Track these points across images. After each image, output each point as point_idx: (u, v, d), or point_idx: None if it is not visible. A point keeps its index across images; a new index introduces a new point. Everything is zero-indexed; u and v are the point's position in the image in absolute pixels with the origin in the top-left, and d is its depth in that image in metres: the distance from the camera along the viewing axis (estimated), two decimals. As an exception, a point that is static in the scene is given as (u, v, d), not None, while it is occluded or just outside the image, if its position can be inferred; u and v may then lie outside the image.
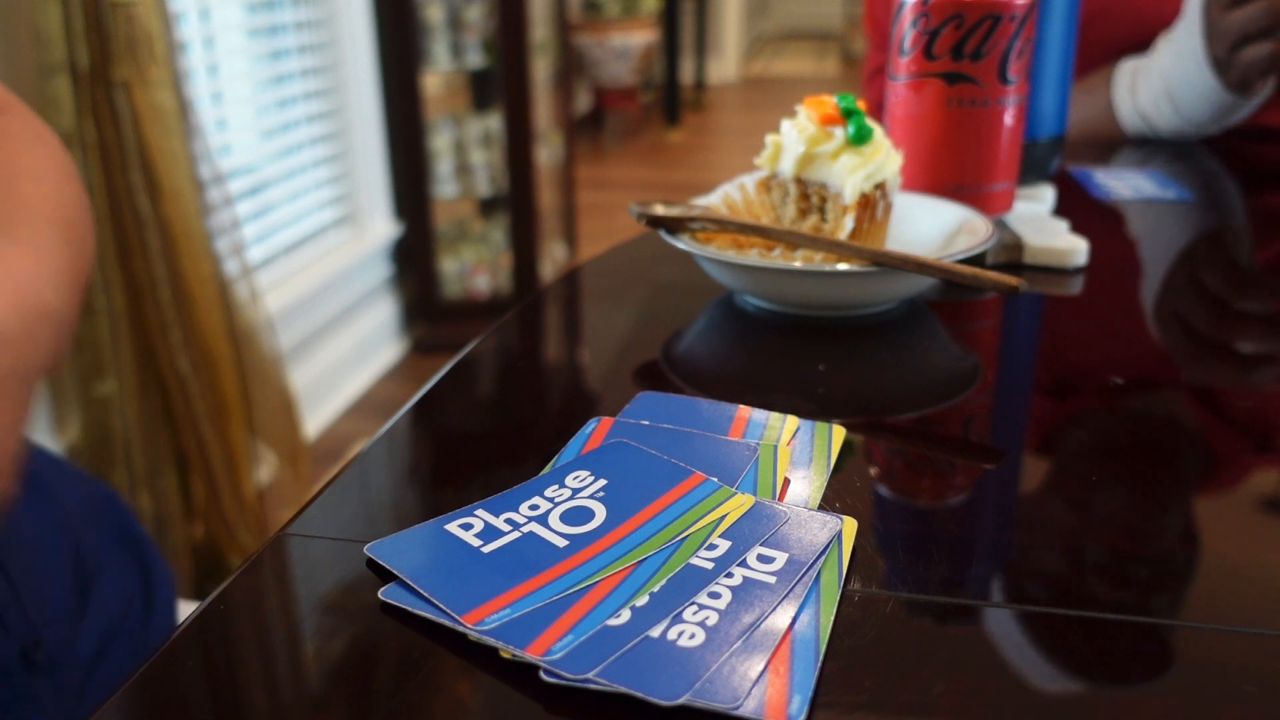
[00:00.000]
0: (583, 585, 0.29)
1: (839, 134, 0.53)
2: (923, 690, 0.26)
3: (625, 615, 0.28)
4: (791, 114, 0.56)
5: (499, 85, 2.45)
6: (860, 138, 0.52)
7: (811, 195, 0.55)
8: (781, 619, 0.28)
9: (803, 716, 0.25)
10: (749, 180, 0.60)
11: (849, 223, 0.52)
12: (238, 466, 1.56)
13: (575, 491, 0.34)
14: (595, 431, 0.39)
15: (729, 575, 0.30)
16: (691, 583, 0.30)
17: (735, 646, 0.27)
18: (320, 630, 0.30)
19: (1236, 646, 0.28)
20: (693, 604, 0.29)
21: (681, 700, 0.25)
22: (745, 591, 0.29)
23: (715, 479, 0.35)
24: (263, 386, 1.61)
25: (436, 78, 2.51)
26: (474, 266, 2.54)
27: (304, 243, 2.17)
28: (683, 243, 0.52)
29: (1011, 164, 0.62)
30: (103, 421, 1.42)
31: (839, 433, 0.39)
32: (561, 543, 0.32)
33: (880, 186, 0.52)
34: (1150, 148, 0.93)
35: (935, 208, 0.58)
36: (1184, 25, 0.87)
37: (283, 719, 0.27)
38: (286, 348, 1.92)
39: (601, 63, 4.66)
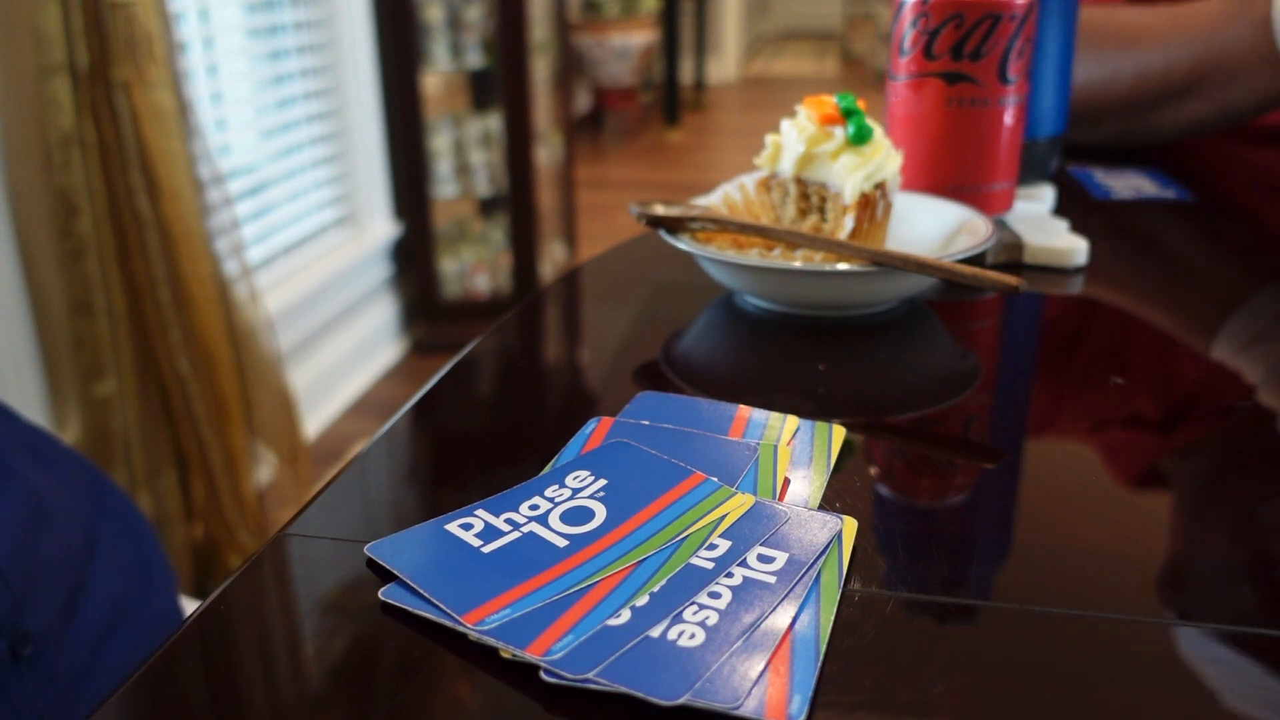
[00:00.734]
0: (583, 585, 0.29)
1: (839, 134, 0.53)
2: (923, 690, 0.26)
3: (625, 615, 0.28)
4: (791, 114, 0.56)
5: (499, 85, 2.45)
6: (860, 138, 0.52)
7: (811, 195, 0.55)
8: (782, 619, 0.28)
9: (803, 716, 0.25)
10: (749, 180, 0.60)
11: (849, 223, 0.52)
12: (237, 466, 1.56)
13: (575, 491, 0.34)
14: (595, 431, 0.39)
15: (729, 575, 0.30)
16: (692, 583, 0.30)
17: (735, 646, 0.27)
18: (320, 630, 0.30)
19: (1236, 646, 0.28)
20: (693, 604, 0.29)
21: (682, 700, 0.25)
22: (745, 591, 0.29)
23: (715, 479, 0.35)
24: (262, 387, 1.61)
25: (436, 78, 2.52)
26: (474, 266, 2.54)
27: (304, 243, 2.17)
28: (683, 243, 0.52)
29: (1011, 164, 0.62)
30: (103, 421, 1.42)
31: (839, 433, 0.39)
32: (562, 543, 0.32)
33: (880, 186, 0.53)
34: (1150, 147, 0.92)
35: (935, 208, 0.58)
36: None
37: (283, 719, 0.27)
38: (286, 348, 1.92)
39: (601, 63, 4.66)
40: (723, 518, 0.33)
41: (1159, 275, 0.63)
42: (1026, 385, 0.48)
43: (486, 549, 0.31)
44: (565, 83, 2.93)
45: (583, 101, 4.83)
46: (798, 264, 0.50)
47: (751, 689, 0.25)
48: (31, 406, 1.43)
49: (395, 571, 0.31)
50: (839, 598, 0.29)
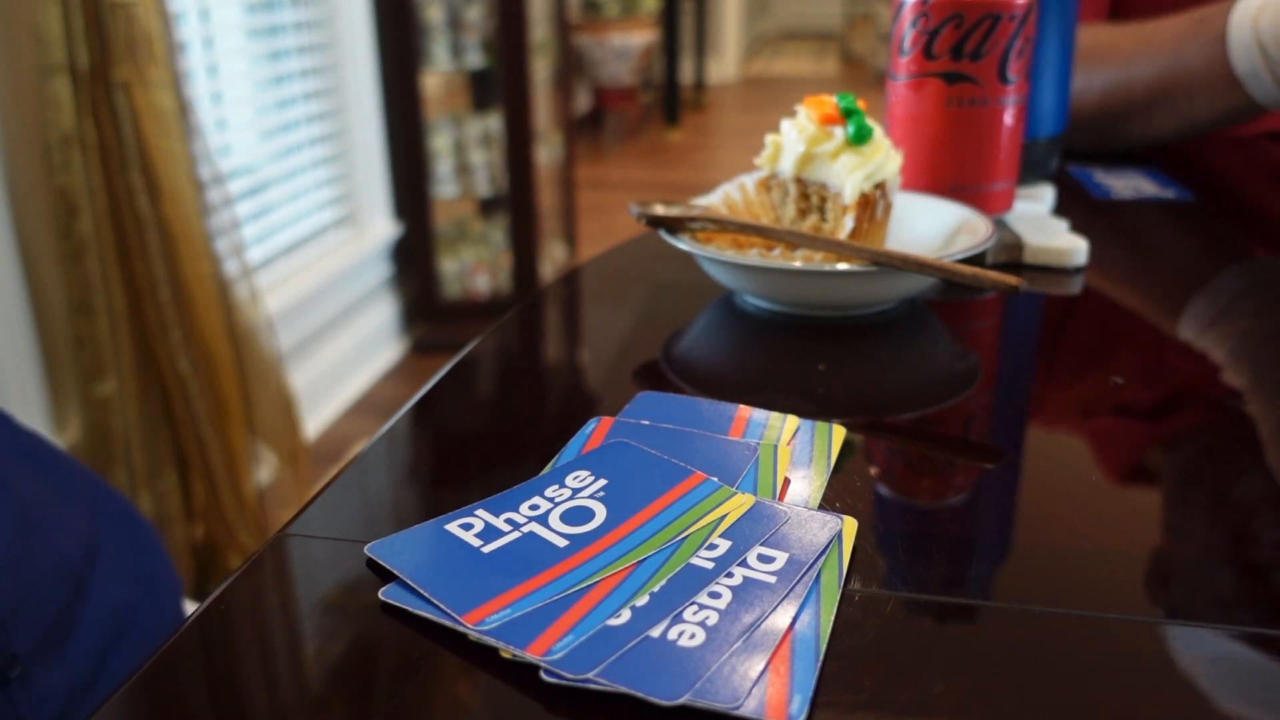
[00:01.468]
0: (583, 585, 0.29)
1: (839, 134, 0.53)
2: (923, 690, 0.26)
3: (625, 615, 0.28)
4: (791, 114, 0.56)
5: (499, 85, 2.45)
6: (860, 138, 0.52)
7: (811, 195, 0.55)
8: (782, 619, 0.28)
9: (803, 716, 0.25)
10: (749, 180, 0.60)
11: (849, 223, 0.52)
12: (238, 467, 1.56)
13: (575, 491, 0.34)
14: (595, 431, 0.39)
15: (729, 575, 0.30)
16: (692, 582, 0.30)
17: (735, 646, 0.27)
18: (320, 630, 0.30)
19: (1235, 646, 0.28)
20: (693, 604, 0.29)
21: (682, 700, 0.25)
22: (745, 591, 0.29)
23: (715, 479, 0.35)
24: (263, 387, 1.61)
25: (436, 78, 2.52)
26: (474, 266, 2.54)
27: (304, 243, 2.17)
28: (683, 243, 0.52)
29: (1011, 164, 0.62)
30: (103, 422, 1.42)
31: (839, 433, 0.39)
32: (562, 543, 0.32)
33: (880, 186, 0.53)
34: (1151, 147, 0.93)
35: (935, 207, 0.58)
36: None
37: (283, 719, 0.27)
38: (286, 348, 1.92)
39: (601, 63, 4.66)
40: (723, 518, 0.33)
41: (1159, 275, 0.63)
42: (1026, 385, 0.48)
43: (486, 549, 0.31)
44: (565, 83, 2.93)
45: (583, 101, 4.83)
46: (798, 264, 0.50)
47: (751, 689, 0.25)
48: (32, 407, 1.43)
49: (395, 571, 0.31)
50: (839, 598, 0.29)
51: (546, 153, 2.74)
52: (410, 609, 0.29)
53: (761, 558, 0.31)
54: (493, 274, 2.57)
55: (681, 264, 0.61)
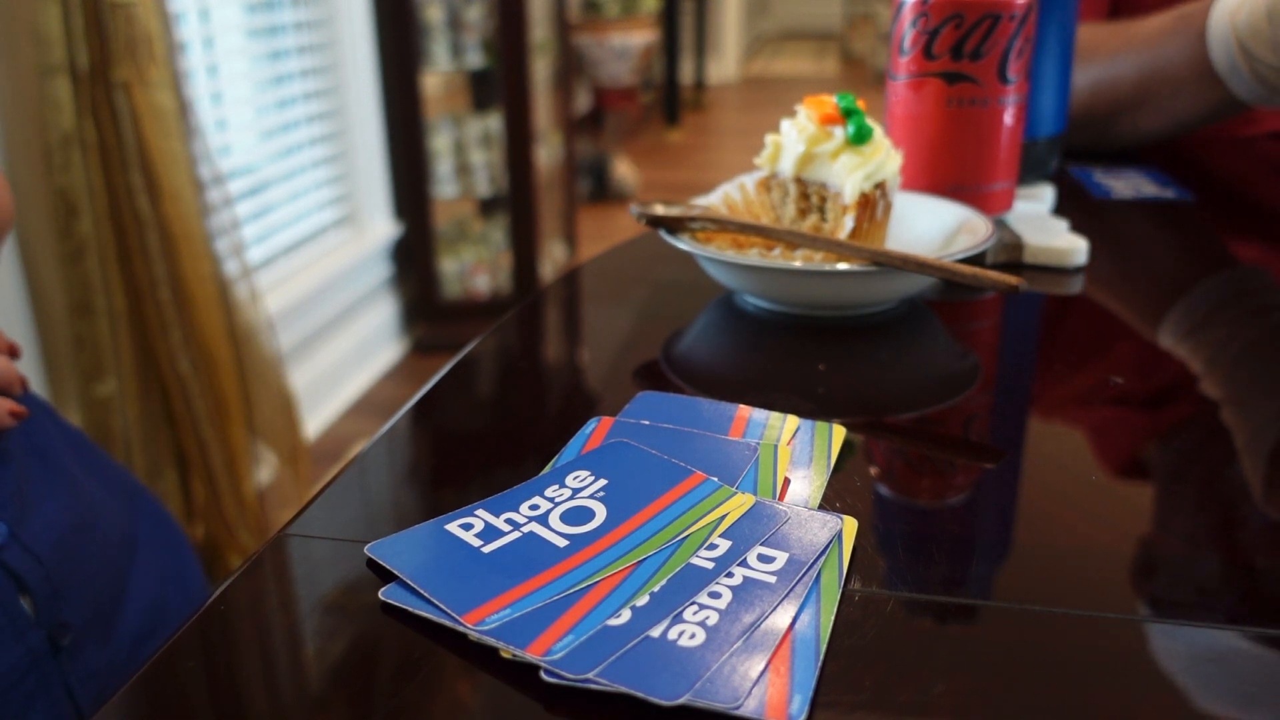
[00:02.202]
0: (583, 585, 0.29)
1: (839, 134, 0.53)
2: (923, 690, 0.26)
3: (626, 615, 0.28)
4: (791, 114, 0.56)
5: (499, 85, 2.45)
6: (860, 137, 0.52)
7: (811, 195, 0.55)
8: (782, 619, 0.28)
9: (803, 716, 0.25)
10: (749, 180, 0.60)
11: (849, 222, 0.52)
12: (238, 467, 1.56)
13: (575, 491, 0.34)
14: (595, 431, 0.39)
15: (729, 575, 0.30)
16: (692, 582, 0.30)
17: (736, 646, 0.27)
18: (320, 630, 0.30)
19: (1235, 646, 0.28)
20: (693, 604, 0.29)
21: (682, 700, 0.25)
22: (745, 591, 0.29)
23: (715, 479, 0.35)
24: (263, 387, 1.61)
25: (436, 78, 2.52)
26: (474, 266, 2.54)
27: (304, 243, 2.17)
28: (683, 243, 0.52)
29: (1011, 163, 0.62)
30: (103, 422, 1.42)
31: (839, 432, 0.39)
32: (562, 543, 0.32)
33: (880, 186, 0.52)
34: (1150, 147, 0.93)
35: (935, 207, 0.58)
36: None
37: (283, 719, 0.27)
38: (286, 348, 1.92)
39: (601, 63, 4.65)
40: (723, 518, 0.33)
41: (1159, 275, 0.63)
42: (1026, 385, 0.48)
43: (487, 549, 0.31)
44: (565, 83, 2.93)
45: (583, 101, 4.83)
46: (798, 264, 0.50)
47: (752, 689, 0.25)
48: (32, 407, 1.43)
49: (395, 571, 0.31)
50: (839, 598, 0.29)
51: (546, 153, 2.74)
52: (410, 609, 0.29)
53: (761, 558, 0.31)
54: (493, 274, 2.57)
55: (681, 264, 0.61)
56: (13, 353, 0.63)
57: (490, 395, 0.49)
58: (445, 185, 2.48)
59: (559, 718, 0.26)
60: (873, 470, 0.38)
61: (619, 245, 0.68)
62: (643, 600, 0.29)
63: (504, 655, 0.27)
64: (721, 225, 0.54)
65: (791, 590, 0.29)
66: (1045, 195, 0.71)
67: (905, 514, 0.36)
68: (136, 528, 0.69)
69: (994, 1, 0.56)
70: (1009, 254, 0.61)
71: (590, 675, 0.26)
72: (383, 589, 0.30)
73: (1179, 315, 0.55)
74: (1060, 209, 0.72)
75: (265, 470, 1.70)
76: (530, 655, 0.27)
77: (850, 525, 0.32)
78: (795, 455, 0.37)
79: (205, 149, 1.49)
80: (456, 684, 0.27)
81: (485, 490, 0.35)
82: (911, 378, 0.47)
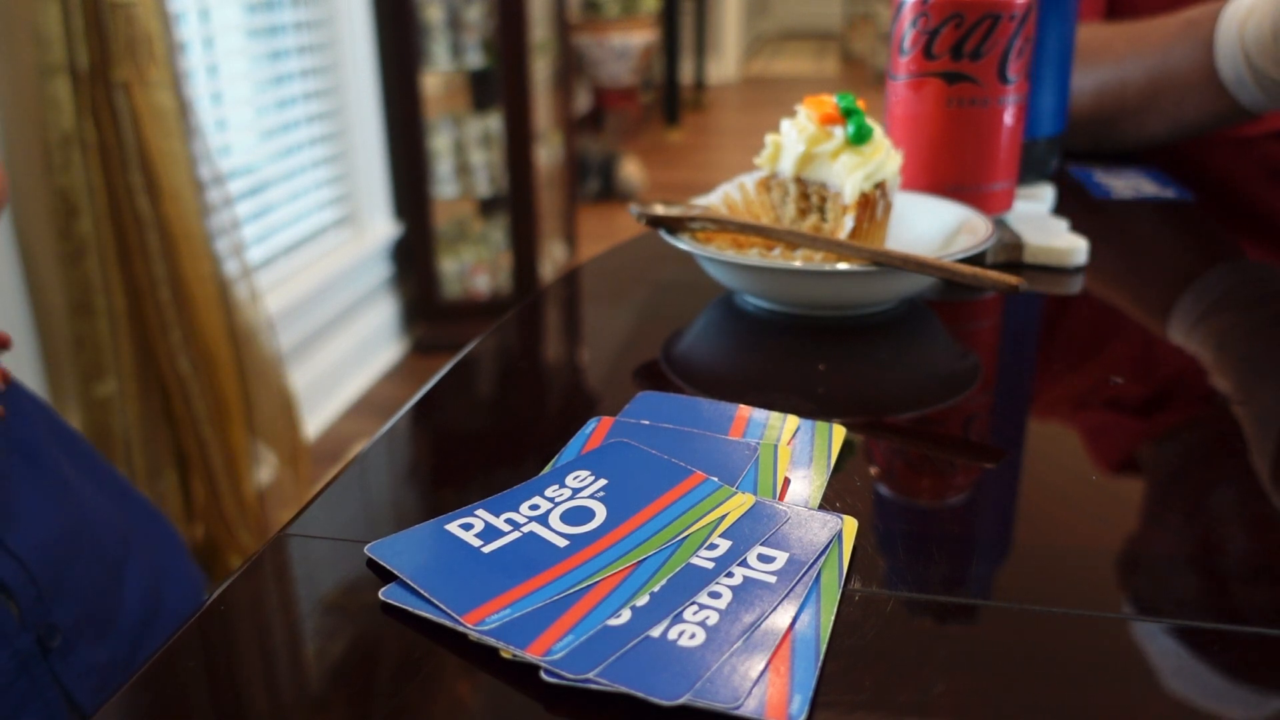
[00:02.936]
0: (583, 585, 0.29)
1: (839, 134, 0.53)
2: (923, 690, 0.26)
3: (626, 615, 0.28)
4: (791, 114, 0.56)
5: (499, 85, 2.45)
6: (860, 137, 0.52)
7: (811, 195, 0.55)
8: (782, 618, 0.28)
9: (803, 716, 0.25)
10: (749, 180, 0.60)
11: (849, 222, 0.52)
12: (238, 467, 1.56)
13: (575, 491, 0.34)
14: (595, 431, 0.39)
15: (729, 575, 0.30)
16: (692, 582, 0.30)
17: (736, 646, 0.27)
18: (320, 630, 0.30)
19: (1236, 646, 0.28)
20: (693, 604, 0.29)
21: (682, 700, 0.25)
22: (746, 591, 0.29)
23: (715, 479, 0.35)
24: (263, 387, 1.61)
25: (436, 78, 2.52)
26: (474, 266, 2.54)
27: (304, 243, 2.17)
28: (683, 243, 0.52)
29: (1011, 163, 0.62)
30: (103, 422, 1.42)
31: (839, 432, 0.39)
32: (562, 543, 0.32)
33: (880, 186, 0.52)
34: (1150, 147, 0.92)
35: (935, 207, 0.58)
36: None
37: (283, 719, 0.27)
38: (286, 348, 1.92)
39: (601, 63, 4.65)
40: (723, 517, 0.33)
41: (1159, 275, 0.63)
42: (1026, 385, 0.48)
43: (487, 549, 0.31)
44: (565, 83, 2.93)
45: (583, 101, 4.83)
46: (798, 264, 0.50)
47: (752, 689, 0.25)
48: (32, 407, 1.43)
49: (395, 571, 0.31)
50: (839, 597, 0.29)
51: (546, 153, 2.74)
52: (410, 609, 0.29)
53: (762, 557, 0.31)
54: (493, 274, 2.57)
55: (681, 264, 0.61)
56: (3, 343, 0.63)
57: (490, 395, 0.49)
58: (445, 185, 2.48)
59: (559, 718, 0.26)
60: (873, 470, 0.38)
61: (619, 245, 0.68)
62: (643, 600, 0.29)
63: (504, 655, 0.27)
64: (721, 225, 0.54)
65: (791, 590, 0.29)
66: (1045, 195, 0.71)
67: (905, 514, 0.36)
68: (130, 524, 0.69)
69: (994, 1, 0.56)
70: (1009, 254, 0.61)
71: (590, 675, 0.26)
72: (383, 589, 0.30)
73: (1179, 315, 0.55)
74: (1060, 209, 0.72)
75: (265, 470, 1.70)
76: (530, 655, 0.27)
77: (850, 525, 0.32)
78: (795, 455, 0.37)
79: (205, 149, 1.49)
80: (456, 684, 0.27)
81: (485, 490, 0.35)
82: (911, 378, 0.47)
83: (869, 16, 7.67)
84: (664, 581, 0.30)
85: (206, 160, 1.49)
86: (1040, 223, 0.65)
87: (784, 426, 0.39)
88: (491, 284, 2.57)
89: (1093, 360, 0.50)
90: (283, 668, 0.29)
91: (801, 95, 0.58)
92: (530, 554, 0.31)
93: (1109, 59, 0.82)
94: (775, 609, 0.28)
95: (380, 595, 0.30)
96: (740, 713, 0.25)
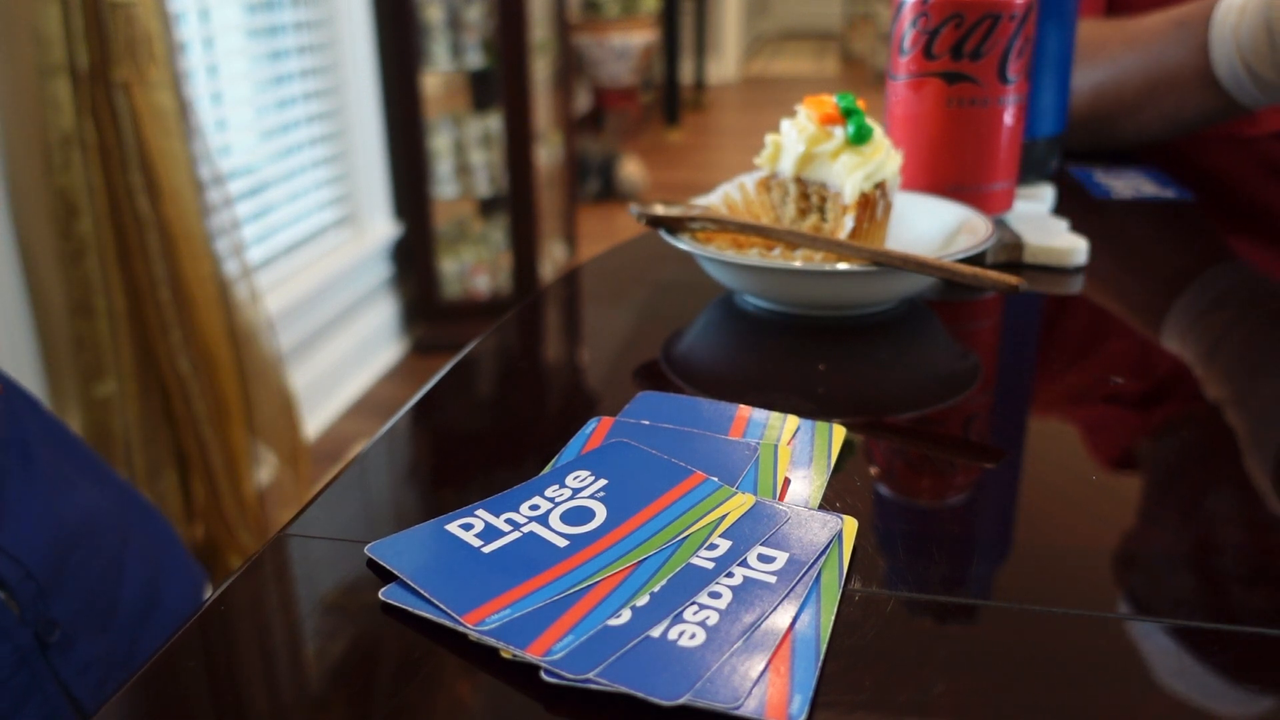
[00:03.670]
0: (583, 585, 0.29)
1: (839, 134, 0.53)
2: (923, 690, 0.26)
3: (626, 615, 0.28)
4: (791, 114, 0.56)
5: (499, 85, 2.45)
6: (860, 137, 0.52)
7: (811, 195, 0.55)
8: (782, 618, 0.28)
9: (803, 716, 0.25)
10: (749, 180, 0.60)
11: (849, 222, 0.52)
12: (238, 467, 1.56)
13: (575, 491, 0.34)
14: (595, 431, 0.39)
15: (729, 575, 0.30)
16: (692, 582, 0.30)
17: (736, 646, 0.27)
18: (320, 630, 0.30)
19: (1236, 646, 0.28)
20: (693, 604, 0.29)
21: (682, 700, 0.25)
22: (746, 591, 0.29)
23: (715, 479, 0.35)
24: (263, 387, 1.61)
25: (436, 78, 2.52)
26: (474, 267, 2.54)
27: (304, 243, 2.17)
28: (683, 243, 0.52)
29: (1011, 163, 0.62)
30: (103, 422, 1.42)
31: (839, 432, 0.39)
32: (562, 543, 0.32)
33: (880, 186, 0.52)
34: (1150, 147, 0.92)
35: (935, 207, 0.58)
36: None
37: (283, 719, 0.27)
38: (286, 348, 1.92)
39: (601, 63, 4.65)
40: (723, 518, 0.33)
41: (1159, 275, 0.63)
42: (1026, 385, 0.48)
43: (487, 549, 0.31)
44: (565, 83, 2.93)
45: (583, 101, 4.83)
46: (798, 264, 0.50)
47: (752, 689, 0.25)
48: (32, 407, 1.43)
49: (395, 572, 0.31)
50: (839, 597, 0.29)
51: (546, 153, 2.74)
52: (410, 609, 0.29)
53: (762, 558, 0.31)
54: (493, 274, 2.57)
55: (681, 264, 0.61)
56: None
57: (490, 395, 0.49)
58: (445, 185, 2.48)
59: (559, 718, 0.26)
60: (873, 470, 0.38)
61: (619, 245, 0.68)
62: (643, 600, 0.29)
63: (504, 655, 0.27)
64: (721, 225, 0.54)
65: (791, 590, 0.29)
66: (1045, 195, 0.71)
67: (905, 514, 0.36)
68: (127, 518, 0.70)
69: (994, 1, 0.56)
70: (1009, 254, 0.61)
71: (590, 675, 0.26)
72: (383, 589, 0.30)
73: (1179, 315, 0.55)
74: (1060, 209, 0.72)
75: (265, 470, 1.70)
76: (530, 655, 0.27)
77: (850, 525, 0.32)
78: (795, 455, 0.37)
79: (205, 149, 1.49)
80: (456, 684, 0.27)
81: (485, 490, 0.35)
82: (911, 378, 0.47)
83: (869, 16, 7.67)
84: (664, 581, 0.30)
85: (206, 160, 1.49)
86: (1040, 223, 0.65)
87: (784, 426, 0.39)
88: (491, 284, 2.57)
89: (1092, 360, 0.50)
90: (283, 668, 0.29)
91: (801, 95, 0.58)
92: (530, 554, 0.31)
93: (1103, 58, 0.82)
94: (775, 609, 0.28)
95: (380, 595, 0.30)
96: (740, 713, 0.25)
